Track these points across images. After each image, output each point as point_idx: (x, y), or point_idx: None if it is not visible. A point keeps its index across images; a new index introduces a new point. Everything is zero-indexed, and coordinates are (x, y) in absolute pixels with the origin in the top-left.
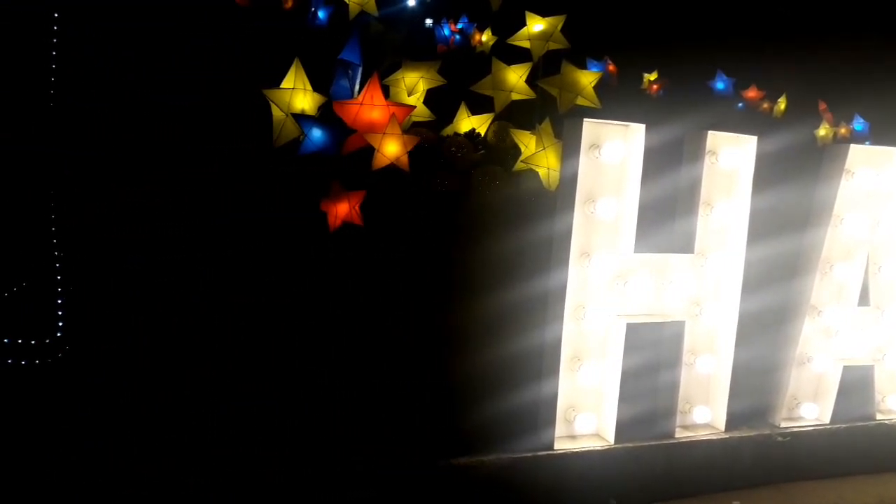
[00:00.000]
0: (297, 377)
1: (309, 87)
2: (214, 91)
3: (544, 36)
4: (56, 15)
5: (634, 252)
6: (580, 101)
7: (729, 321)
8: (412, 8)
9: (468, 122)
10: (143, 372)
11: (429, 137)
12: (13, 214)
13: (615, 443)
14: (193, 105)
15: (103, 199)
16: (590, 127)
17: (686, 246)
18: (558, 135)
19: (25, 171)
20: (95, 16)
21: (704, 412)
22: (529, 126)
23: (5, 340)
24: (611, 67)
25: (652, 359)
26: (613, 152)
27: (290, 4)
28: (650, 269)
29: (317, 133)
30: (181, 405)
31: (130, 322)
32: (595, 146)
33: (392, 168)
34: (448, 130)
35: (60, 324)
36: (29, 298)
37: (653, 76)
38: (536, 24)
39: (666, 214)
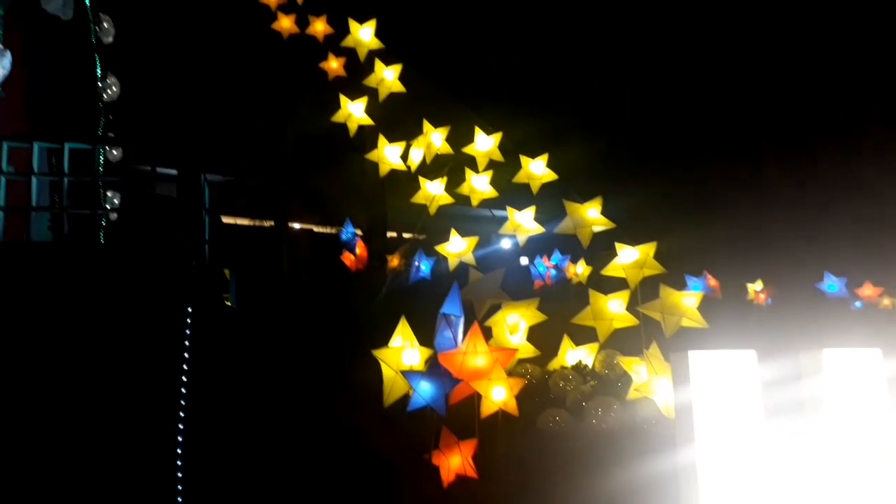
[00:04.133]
0: None
1: (416, 342)
2: (329, 353)
3: (638, 264)
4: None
5: (770, 481)
6: (686, 323)
7: None
8: (507, 251)
9: (574, 354)
10: None
11: (535, 374)
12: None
13: None
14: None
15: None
16: (697, 357)
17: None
18: (668, 358)
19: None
20: None
21: None
22: (638, 351)
23: None
24: (711, 282)
25: None
26: (726, 380)
27: (395, 263)
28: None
29: (425, 387)
30: None
31: None
32: (705, 374)
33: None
34: (555, 364)
35: None
36: None
37: (757, 284)
38: (628, 254)
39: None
